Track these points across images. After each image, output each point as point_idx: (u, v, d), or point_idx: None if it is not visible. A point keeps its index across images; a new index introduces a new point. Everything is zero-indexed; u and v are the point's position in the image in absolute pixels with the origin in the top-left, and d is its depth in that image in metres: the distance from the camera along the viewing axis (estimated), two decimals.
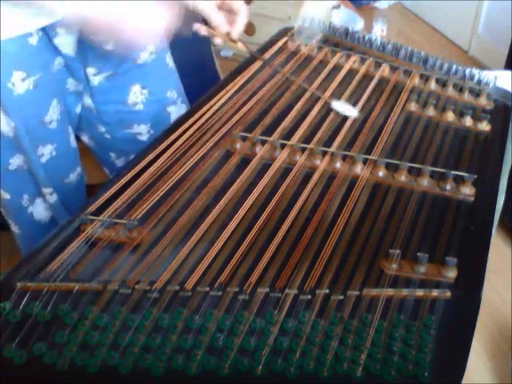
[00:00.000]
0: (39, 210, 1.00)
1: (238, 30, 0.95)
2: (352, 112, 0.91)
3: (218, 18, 0.93)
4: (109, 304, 0.60)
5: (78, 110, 1.01)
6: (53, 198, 0.98)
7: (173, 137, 0.84)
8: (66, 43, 0.89)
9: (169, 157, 0.81)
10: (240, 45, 0.95)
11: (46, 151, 0.92)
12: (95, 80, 0.97)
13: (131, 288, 0.61)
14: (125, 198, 0.73)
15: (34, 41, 0.83)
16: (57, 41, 0.88)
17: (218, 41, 0.95)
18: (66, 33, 0.87)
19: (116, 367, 0.54)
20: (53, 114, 0.90)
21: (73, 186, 1.02)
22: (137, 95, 1.01)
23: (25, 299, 0.60)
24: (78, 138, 1.06)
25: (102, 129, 1.04)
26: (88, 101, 1.00)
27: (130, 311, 0.59)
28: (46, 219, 1.02)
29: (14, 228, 1.03)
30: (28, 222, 1.01)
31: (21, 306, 0.59)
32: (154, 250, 0.67)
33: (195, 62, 1.79)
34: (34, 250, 0.67)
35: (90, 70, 0.95)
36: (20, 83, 0.83)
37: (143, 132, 1.06)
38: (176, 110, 1.08)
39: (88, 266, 0.65)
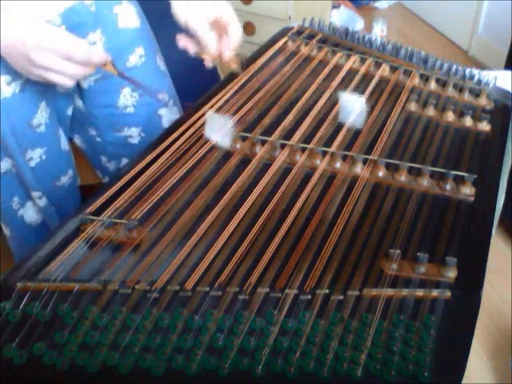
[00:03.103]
0: (30, 213, 0.99)
1: (229, 53, 0.89)
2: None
3: (209, 38, 0.87)
4: (109, 304, 0.60)
5: (70, 112, 1.00)
6: (42, 202, 0.97)
7: (173, 137, 0.84)
8: None
9: (169, 157, 0.81)
10: (233, 64, 0.90)
11: (35, 155, 0.92)
12: (85, 83, 0.97)
13: (131, 288, 0.61)
14: (125, 198, 0.73)
15: None
16: None
17: (207, 62, 0.90)
18: None
19: (116, 367, 0.54)
20: (41, 117, 0.90)
21: (65, 188, 1.01)
22: (127, 98, 1.00)
23: (25, 299, 0.60)
24: (70, 140, 1.05)
25: (93, 132, 1.04)
26: (79, 103, 1.00)
27: (130, 311, 0.59)
28: (37, 222, 1.01)
29: (6, 230, 1.03)
30: (19, 225, 1.00)
31: (21, 306, 0.59)
32: (153, 250, 0.67)
33: (195, 61, 1.79)
34: (34, 250, 0.67)
35: None
36: (5, 87, 0.83)
37: (134, 135, 1.05)
38: (167, 113, 1.07)
39: (88, 265, 0.65)
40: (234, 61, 0.91)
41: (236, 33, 0.89)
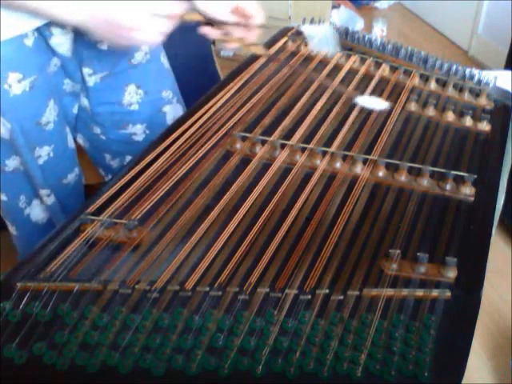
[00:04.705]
0: (36, 212, 1.00)
1: (255, 34, 0.91)
2: (381, 105, 0.90)
3: (233, 23, 0.88)
4: (109, 304, 0.60)
5: (75, 110, 1.01)
6: (50, 200, 0.97)
7: (173, 137, 0.84)
8: (61, 43, 0.89)
9: (169, 157, 0.81)
10: (259, 48, 0.92)
11: (43, 153, 0.92)
12: (91, 80, 0.97)
13: (131, 288, 0.61)
14: (125, 198, 0.73)
15: (29, 42, 0.83)
16: (52, 41, 0.87)
17: (232, 46, 0.91)
18: (62, 33, 0.87)
19: (116, 367, 0.54)
20: (49, 115, 0.90)
21: (70, 186, 1.01)
22: (132, 95, 1.01)
23: (25, 299, 0.60)
24: (73, 140, 1.06)
25: (97, 130, 1.04)
26: (84, 101, 1.00)
27: (130, 311, 0.59)
28: (43, 221, 1.01)
29: (11, 229, 1.03)
30: (25, 224, 1.00)
31: (21, 306, 0.59)
32: (153, 250, 0.67)
33: (195, 61, 1.79)
34: (34, 250, 0.67)
35: (86, 71, 0.95)
36: (16, 85, 0.83)
37: (138, 132, 1.05)
38: (171, 110, 1.07)
39: (88, 265, 0.65)
40: (256, 43, 0.92)
41: (258, 16, 0.90)
